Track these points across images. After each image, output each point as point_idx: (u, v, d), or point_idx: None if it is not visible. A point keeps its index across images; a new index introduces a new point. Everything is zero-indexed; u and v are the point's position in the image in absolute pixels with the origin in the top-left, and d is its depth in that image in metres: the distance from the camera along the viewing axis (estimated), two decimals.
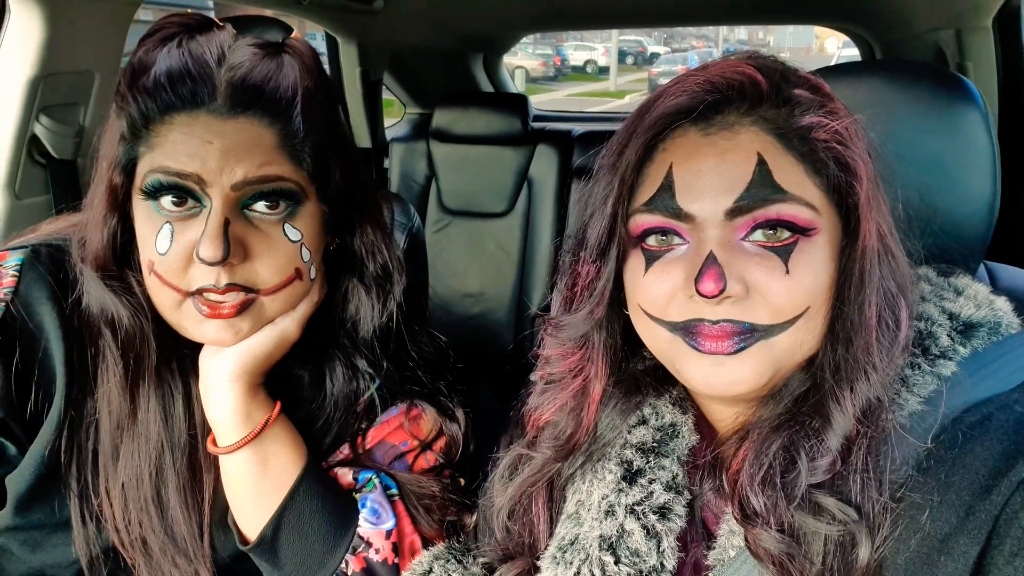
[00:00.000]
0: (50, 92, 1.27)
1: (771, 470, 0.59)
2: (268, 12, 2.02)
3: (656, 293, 0.63)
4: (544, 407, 0.74)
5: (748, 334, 0.59)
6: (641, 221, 0.64)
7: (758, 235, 0.60)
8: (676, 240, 0.63)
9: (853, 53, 2.95)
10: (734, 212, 0.60)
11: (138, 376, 0.80)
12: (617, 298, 0.69)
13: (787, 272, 0.59)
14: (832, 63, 1.12)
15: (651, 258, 0.64)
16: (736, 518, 0.61)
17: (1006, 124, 1.87)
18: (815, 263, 0.60)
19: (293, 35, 0.80)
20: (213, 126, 0.72)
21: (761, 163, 0.59)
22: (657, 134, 0.64)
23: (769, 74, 0.62)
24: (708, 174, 0.61)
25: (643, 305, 0.65)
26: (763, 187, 0.59)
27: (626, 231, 0.65)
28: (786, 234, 0.59)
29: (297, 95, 0.75)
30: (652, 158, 0.65)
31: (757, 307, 0.59)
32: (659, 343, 0.65)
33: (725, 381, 0.60)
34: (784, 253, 0.59)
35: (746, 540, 0.60)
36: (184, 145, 0.71)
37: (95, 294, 0.78)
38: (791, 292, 0.59)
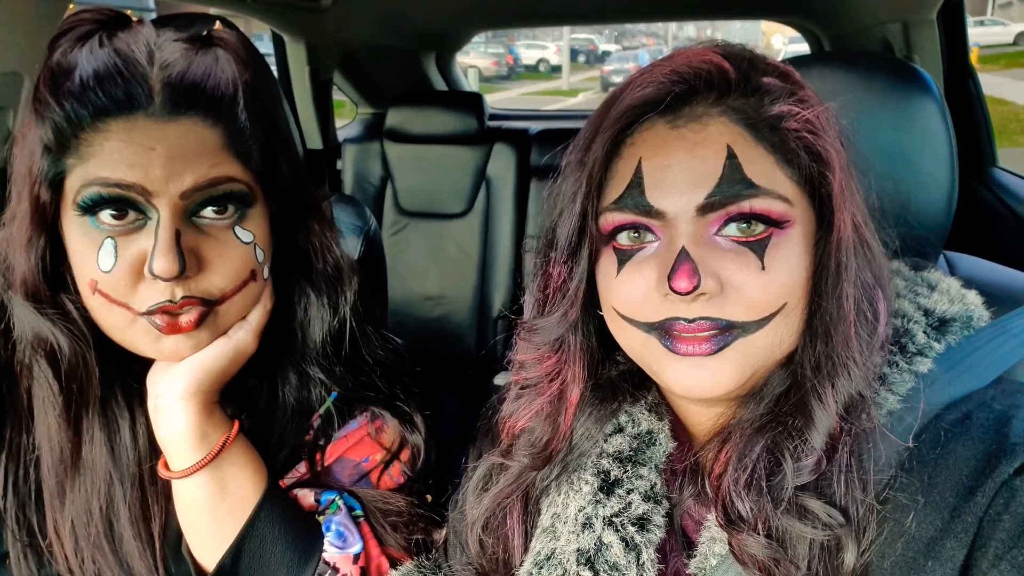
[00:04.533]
0: None
1: (755, 473, 0.58)
2: (212, 11, 1.94)
3: (629, 294, 0.61)
4: (519, 413, 0.71)
5: (726, 332, 0.58)
6: (611, 219, 0.62)
7: (731, 229, 0.58)
8: (648, 237, 0.61)
9: (799, 49, 3.01)
10: (705, 208, 0.58)
11: (81, 407, 0.74)
12: (591, 299, 0.67)
13: (763, 268, 0.57)
14: (779, 59, 1.12)
15: (623, 258, 0.61)
16: (720, 523, 0.59)
17: (952, 116, 1.92)
18: (791, 257, 0.58)
19: (216, 26, 0.75)
20: (154, 131, 0.66)
21: (731, 156, 0.58)
22: (624, 127, 0.61)
23: (737, 62, 0.60)
24: (677, 168, 0.59)
25: (617, 306, 0.62)
26: (734, 182, 0.57)
27: (596, 229, 0.63)
28: (760, 228, 0.58)
29: (238, 90, 0.70)
30: (620, 153, 0.62)
31: (733, 304, 0.57)
32: (634, 345, 0.63)
33: (704, 383, 0.58)
34: (759, 248, 0.58)
35: (730, 546, 0.59)
36: (123, 153, 0.66)
37: (28, 323, 0.72)
38: (767, 288, 0.57)
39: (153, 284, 0.68)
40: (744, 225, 0.58)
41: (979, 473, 0.53)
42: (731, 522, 0.58)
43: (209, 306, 0.71)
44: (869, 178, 0.64)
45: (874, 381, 0.59)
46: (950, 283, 0.66)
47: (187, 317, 0.70)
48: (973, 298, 0.65)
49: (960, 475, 0.53)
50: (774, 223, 0.58)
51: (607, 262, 0.63)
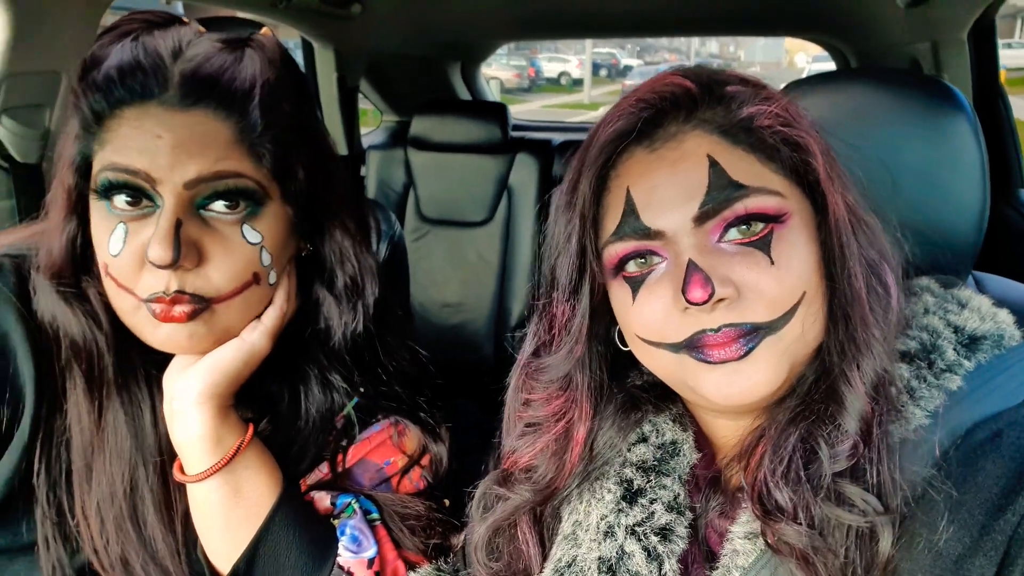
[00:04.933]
0: (13, 93, 1.22)
1: (792, 463, 0.58)
2: (241, 15, 1.98)
3: (649, 317, 0.62)
4: (523, 451, 0.72)
5: (752, 334, 0.58)
6: (615, 251, 0.63)
7: (733, 233, 0.59)
8: (655, 259, 0.62)
9: (822, 67, 3.01)
10: (701, 218, 0.59)
11: (99, 389, 0.75)
12: (596, 335, 0.68)
13: (772, 263, 0.58)
14: (802, 77, 1.11)
15: (635, 285, 0.62)
16: (756, 515, 0.59)
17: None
18: (797, 247, 0.59)
19: (263, 31, 0.76)
20: (163, 119, 0.68)
21: (713, 164, 0.59)
22: (605, 162, 0.63)
23: (697, 78, 0.63)
24: (664, 187, 0.60)
25: (640, 333, 0.63)
26: (722, 187, 0.59)
27: (599, 266, 0.65)
28: (760, 226, 0.59)
29: (255, 87, 0.70)
30: (608, 187, 0.64)
31: (753, 305, 0.58)
32: (666, 367, 0.63)
33: (742, 388, 0.58)
34: (763, 245, 0.58)
35: (764, 539, 0.58)
36: (133, 140, 0.67)
37: (48, 304, 0.74)
38: (782, 282, 0.58)
39: (153, 272, 0.69)
40: (744, 226, 0.59)
41: (1009, 491, 0.52)
42: (768, 513, 0.57)
43: (202, 304, 0.71)
44: (855, 166, 0.65)
45: (895, 358, 0.60)
46: (981, 301, 0.65)
47: (180, 308, 0.70)
48: (1005, 317, 0.65)
49: (990, 493, 0.53)
50: (772, 219, 0.59)
51: (621, 293, 0.64)
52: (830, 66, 2.88)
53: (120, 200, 0.69)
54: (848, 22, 2.30)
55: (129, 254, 0.69)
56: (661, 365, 0.64)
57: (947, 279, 0.69)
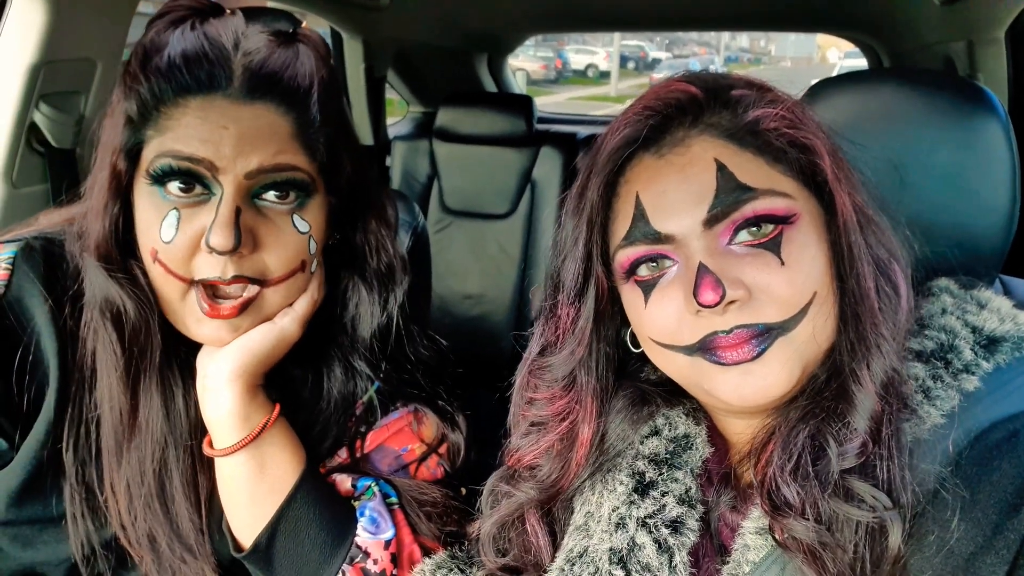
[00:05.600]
0: (50, 80, 1.25)
1: (801, 459, 0.58)
2: (271, 4, 2.00)
3: (662, 320, 0.62)
4: (526, 450, 0.73)
5: (765, 335, 0.58)
6: (626, 255, 0.64)
7: (743, 235, 0.60)
8: (666, 263, 0.63)
9: (854, 64, 2.96)
10: (711, 221, 0.60)
11: (141, 371, 0.78)
12: (603, 337, 0.69)
13: (782, 264, 0.58)
14: (833, 73, 1.10)
15: (647, 289, 0.63)
16: (765, 510, 0.59)
17: (1017, 137, 1.86)
18: (806, 248, 0.60)
19: (303, 26, 0.78)
20: (229, 111, 0.70)
21: (721, 168, 0.60)
22: (613, 169, 0.64)
23: (702, 83, 0.63)
24: (673, 192, 0.61)
25: (653, 336, 0.64)
26: (731, 190, 0.59)
27: (606, 270, 0.66)
28: (769, 227, 0.59)
29: (314, 84, 0.74)
30: (617, 193, 0.65)
31: (764, 306, 0.58)
32: (680, 369, 0.64)
33: (757, 388, 0.59)
34: (773, 246, 0.59)
35: (772, 534, 0.59)
36: (197, 129, 0.69)
37: (99, 285, 0.76)
38: (792, 282, 0.58)
39: (208, 258, 0.71)
40: (754, 228, 0.59)
41: None
42: (776, 508, 0.58)
43: (258, 285, 0.74)
44: (863, 167, 0.65)
45: (906, 355, 0.60)
46: (1001, 302, 0.65)
47: (230, 304, 0.73)
48: None
49: (1004, 492, 0.53)
50: (781, 220, 0.59)
51: (633, 297, 0.65)
52: (862, 62, 2.84)
53: (174, 186, 0.71)
54: (881, 20, 2.27)
55: (182, 240, 0.71)
56: (675, 368, 0.64)
57: (967, 280, 0.69)
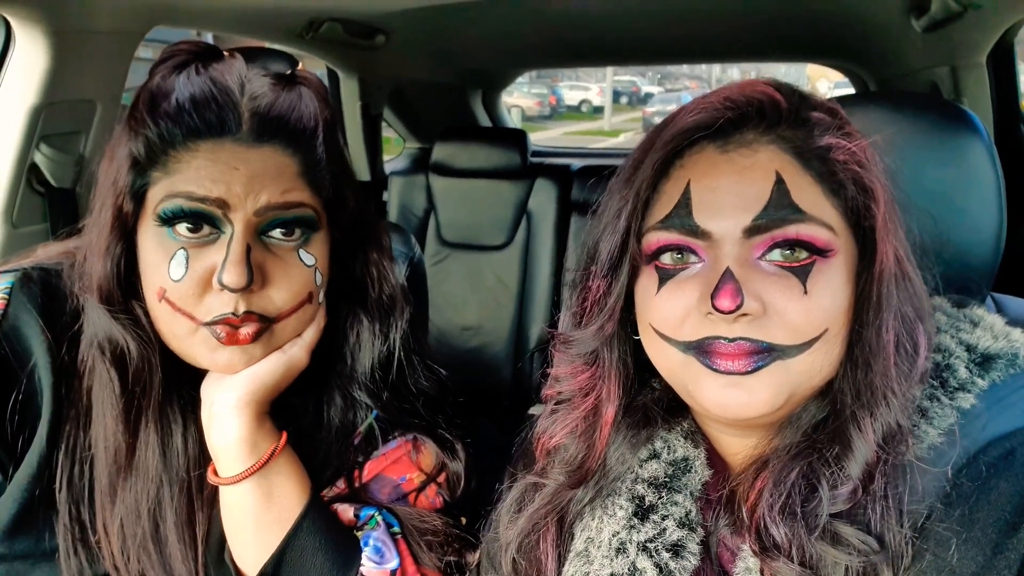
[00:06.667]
0: (51, 121, 1.27)
1: (791, 499, 0.57)
2: (268, 46, 2.04)
3: (669, 312, 0.62)
4: (553, 429, 0.72)
5: (765, 354, 0.58)
6: (656, 239, 0.63)
7: (775, 255, 0.59)
8: (692, 258, 0.62)
9: (843, 94, 2.99)
10: (752, 231, 0.59)
11: (140, 410, 0.78)
12: (627, 319, 0.68)
13: (805, 292, 0.58)
14: None
15: (665, 276, 0.63)
16: (753, 550, 0.59)
17: (1002, 160, 1.89)
18: (833, 284, 0.59)
19: (299, 67, 0.80)
20: (239, 153, 0.72)
21: (779, 182, 0.59)
22: (674, 150, 0.63)
23: (788, 95, 0.62)
24: (726, 191, 0.60)
25: (655, 324, 0.63)
26: (781, 207, 0.59)
27: (639, 249, 0.64)
28: (804, 254, 0.59)
29: (319, 125, 0.76)
30: (668, 175, 0.64)
31: (775, 327, 0.58)
32: (671, 364, 0.63)
33: (740, 402, 0.59)
34: (802, 273, 0.58)
35: (761, 574, 0.58)
36: (208, 171, 0.71)
37: (101, 326, 0.76)
38: (809, 313, 0.58)
39: (219, 296, 0.72)
40: (788, 251, 0.59)
41: (1023, 510, 0.52)
42: (765, 549, 0.57)
43: (267, 323, 0.75)
44: (911, 215, 0.65)
45: (913, 413, 0.59)
46: (993, 320, 0.65)
47: (246, 330, 0.74)
48: (1018, 336, 0.64)
49: (1003, 511, 0.53)
50: (818, 251, 0.59)
51: (648, 280, 0.64)
52: (851, 92, 2.88)
53: (182, 227, 0.72)
54: (866, 48, 2.31)
55: (191, 279, 0.72)
56: (666, 362, 0.64)
57: (960, 299, 0.69)
